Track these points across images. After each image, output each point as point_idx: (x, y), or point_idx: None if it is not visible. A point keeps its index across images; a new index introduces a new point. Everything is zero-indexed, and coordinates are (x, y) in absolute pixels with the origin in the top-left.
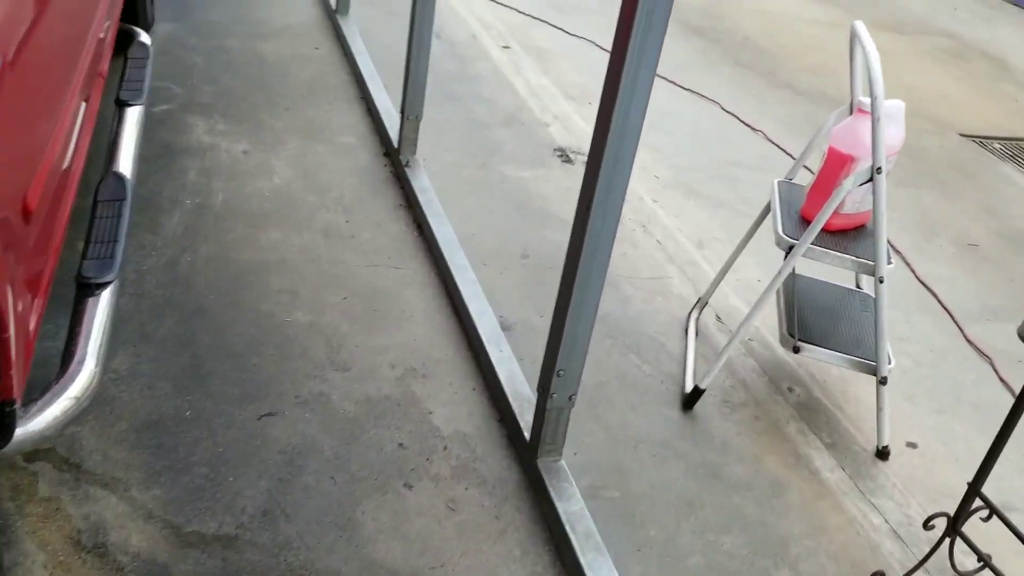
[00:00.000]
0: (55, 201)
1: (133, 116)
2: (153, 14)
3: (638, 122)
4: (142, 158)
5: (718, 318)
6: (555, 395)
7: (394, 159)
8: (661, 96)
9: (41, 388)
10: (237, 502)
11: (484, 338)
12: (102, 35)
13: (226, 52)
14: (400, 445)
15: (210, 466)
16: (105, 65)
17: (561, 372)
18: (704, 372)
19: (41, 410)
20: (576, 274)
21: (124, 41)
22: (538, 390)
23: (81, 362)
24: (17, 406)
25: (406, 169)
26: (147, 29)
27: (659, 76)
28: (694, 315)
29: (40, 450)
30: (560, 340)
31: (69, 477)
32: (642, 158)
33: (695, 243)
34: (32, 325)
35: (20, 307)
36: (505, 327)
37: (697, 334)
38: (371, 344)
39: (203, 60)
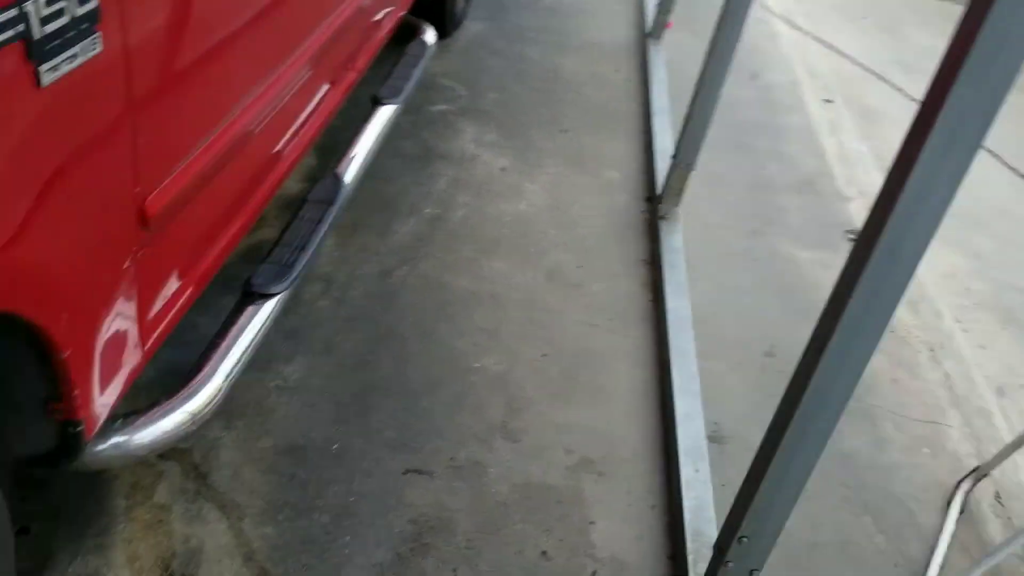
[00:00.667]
0: (231, 191)
1: (382, 116)
2: (465, 12)
3: (941, 200)
4: (400, 156)
5: (998, 498)
6: (731, 564)
7: (653, 207)
8: (999, 188)
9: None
10: (342, 571)
11: (682, 448)
12: (376, 19)
13: (524, 60)
14: (543, 553)
15: (333, 516)
16: (368, 54)
17: (744, 539)
18: (957, 571)
19: (145, 424)
20: (796, 409)
21: (411, 35)
22: (714, 549)
23: (207, 378)
24: (82, 428)
25: (662, 221)
26: (453, 27)
27: (996, 157)
28: (965, 485)
29: (177, 448)
30: (752, 496)
31: (191, 487)
32: (954, 263)
33: (995, 388)
34: (148, 337)
35: (110, 321)
36: (716, 439)
37: (962, 511)
38: (554, 417)
39: (499, 65)
